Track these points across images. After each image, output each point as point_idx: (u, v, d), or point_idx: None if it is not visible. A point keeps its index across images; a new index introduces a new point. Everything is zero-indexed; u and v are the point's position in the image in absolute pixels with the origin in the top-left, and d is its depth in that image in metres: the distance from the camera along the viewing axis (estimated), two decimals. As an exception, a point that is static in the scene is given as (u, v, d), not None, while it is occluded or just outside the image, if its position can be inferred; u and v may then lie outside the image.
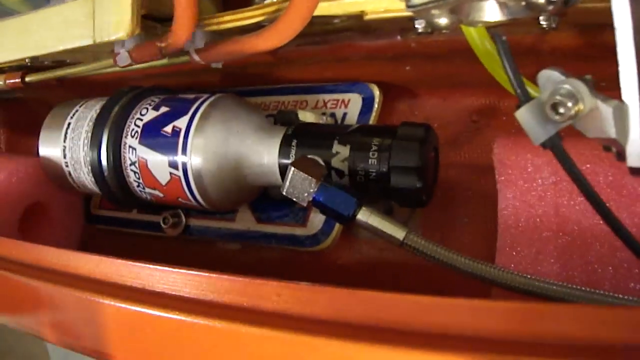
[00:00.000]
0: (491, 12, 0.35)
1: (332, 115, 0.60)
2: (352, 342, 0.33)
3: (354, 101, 0.59)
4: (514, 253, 0.45)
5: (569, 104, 0.31)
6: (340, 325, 0.34)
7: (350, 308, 0.34)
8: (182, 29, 0.49)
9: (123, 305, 0.41)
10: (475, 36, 0.43)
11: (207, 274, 0.40)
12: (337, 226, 0.57)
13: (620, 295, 0.37)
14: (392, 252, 0.60)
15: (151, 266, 0.42)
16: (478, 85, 0.59)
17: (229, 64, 0.58)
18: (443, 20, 0.38)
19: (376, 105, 0.58)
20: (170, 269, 0.42)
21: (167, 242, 0.70)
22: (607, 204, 0.36)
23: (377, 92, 0.58)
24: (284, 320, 0.35)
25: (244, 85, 0.66)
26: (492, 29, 0.43)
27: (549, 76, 0.33)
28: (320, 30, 0.54)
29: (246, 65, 0.63)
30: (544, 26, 0.41)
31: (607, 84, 0.34)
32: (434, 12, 0.38)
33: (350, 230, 0.62)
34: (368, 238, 0.61)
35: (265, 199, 0.62)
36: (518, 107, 0.34)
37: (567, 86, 0.31)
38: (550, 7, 0.33)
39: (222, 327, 0.37)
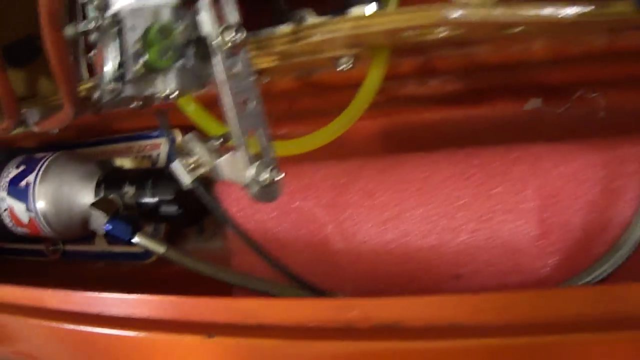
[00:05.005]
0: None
1: (149, 156, 0.79)
2: None
3: (164, 144, 0.78)
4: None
5: (190, 161, 0.49)
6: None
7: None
8: (9, 115, 0.68)
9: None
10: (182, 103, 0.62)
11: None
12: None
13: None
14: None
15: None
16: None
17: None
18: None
19: (180, 146, 0.77)
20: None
21: (51, 264, 0.89)
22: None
23: (179, 136, 0.77)
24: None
25: (89, 137, 0.85)
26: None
27: (188, 140, 0.51)
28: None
29: (83, 123, 0.82)
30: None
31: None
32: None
33: (177, 244, 0.80)
34: (192, 250, 0.80)
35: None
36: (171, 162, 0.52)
37: (190, 146, 0.49)
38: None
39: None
